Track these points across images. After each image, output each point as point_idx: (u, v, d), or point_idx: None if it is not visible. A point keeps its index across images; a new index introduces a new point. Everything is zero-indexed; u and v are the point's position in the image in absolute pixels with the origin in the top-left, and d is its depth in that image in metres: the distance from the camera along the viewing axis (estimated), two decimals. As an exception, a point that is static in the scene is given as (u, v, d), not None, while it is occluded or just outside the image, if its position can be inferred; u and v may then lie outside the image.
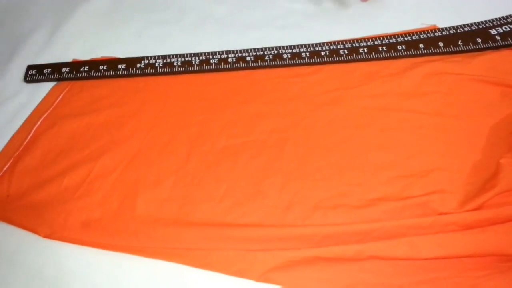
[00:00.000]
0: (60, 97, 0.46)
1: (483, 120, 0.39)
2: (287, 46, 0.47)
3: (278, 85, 0.45)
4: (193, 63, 0.47)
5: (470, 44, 0.45)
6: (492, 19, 0.47)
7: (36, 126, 0.44)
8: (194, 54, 0.48)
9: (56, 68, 0.48)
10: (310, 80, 0.45)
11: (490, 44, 0.44)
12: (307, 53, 0.46)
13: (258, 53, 0.47)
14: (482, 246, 0.31)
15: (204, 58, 0.48)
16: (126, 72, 0.47)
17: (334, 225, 0.33)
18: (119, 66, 0.48)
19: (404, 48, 0.45)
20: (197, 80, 0.47)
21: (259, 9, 0.53)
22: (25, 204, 0.38)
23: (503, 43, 0.44)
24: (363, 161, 0.38)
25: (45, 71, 0.48)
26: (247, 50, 0.48)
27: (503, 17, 0.47)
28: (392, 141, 0.39)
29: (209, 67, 0.47)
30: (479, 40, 0.45)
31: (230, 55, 0.48)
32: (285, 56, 0.47)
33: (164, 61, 0.48)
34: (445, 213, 0.33)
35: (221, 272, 0.33)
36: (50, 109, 0.45)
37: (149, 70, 0.47)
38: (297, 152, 0.39)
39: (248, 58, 0.47)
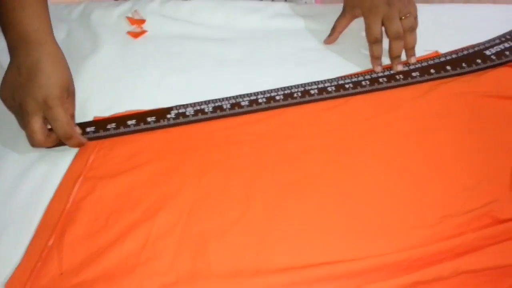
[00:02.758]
0: (91, 158, 0.44)
1: (504, 130, 0.44)
2: (312, 82, 0.50)
3: (312, 120, 0.47)
4: (224, 107, 0.48)
5: (473, 65, 0.50)
6: (483, 42, 0.53)
7: (74, 192, 0.41)
8: (224, 98, 0.48)
9: (79, 128, 0.46)
10: (342, 111, 0.47)
11: (489, 63, 0.50)
12: (333, 87, 0.49)
13: (286, 92, 0.49)
14: None
15: (234, 101, 0.48)
16: (157, 125, 0.46)
17: (418, 247, 0.35)
18: (149, 119, 0.46)
19: (418, 74, 0.50)
20: (229, 124, 0.47)
21: (272, 49, 0.55)
22: (86, 280, 0.35)
23: (499, 61, 0.50)
24: (418, 181, 0.40)
25: (68, 132, 0.45)
26: (275, 89, 0.49)
27: (491, 40, 0.53)
28: (438, 159, 0.42)
29: (240, 109, 0.47)
30: (479, 61, 0.51)
31: (259, 96, 0.49)
32: (312, 92, 0.49)
33: (195, 108, 0.48)
34: (508, 219, 0.36)
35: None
36: (84, 173, 0.42)
37: (180, 120, 0.47)
38: (356, 182, 0.41)
39: (277, 97, 0.48)
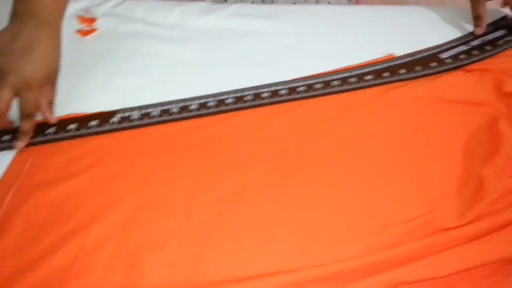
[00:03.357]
0: (27, 165, 0.42)
1: (454, 135, 0.44)
2: (265, 85, 0.48)
3: (262, 124, 0.45)
4: (172, 111, 0.46)
5: (427, 68, 0.50)
6: (439, 45, 0.53)
7: (6, 201, 0.39)
8: (172, 101, 0.47)
9: (16, 133, 0.43)
10: (293, 116, 0.46)
11: (444, 67, 0.50)
12: (285, 90, 0.48)
13: (237, 95, 0.47)
14: (490, 254, 0.34)
15: (183, 105, 0.46)
16: (100, 129, 0.44)
17: (354, 258, 0.34)
18: (91, 123, 0.45)
19: (371, 78, 0.49)
20: (176, 128, 0.45)
21: (227, 49, 0.54)
22: (12, 295, 0.33)
23: (454, 65, 0.50)
24: (363, 189, 0.40)
25: (4, 138, 0.43)
26: (226, 92, 0.48)
27: (447, 42, 0.53)
28: (383, 166, 0.41)
29: (189, 114, 0.46)
30: (433, 64, 0.50)
31: (209, 99, 0.47)
32: (264, 95, 0.47)
33: (141, 112, 0.46)
34: (450, 229, 0.36)
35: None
36: (18, 181, 0.40)
37: (125, 124, 0.45)
38: (300, 189, 0.40)
39: (228, 101, 0.47)
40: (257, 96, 0.47)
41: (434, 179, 0.40)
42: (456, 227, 0.36)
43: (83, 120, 0.45)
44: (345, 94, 0.48)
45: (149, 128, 0.45)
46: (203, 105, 0.46)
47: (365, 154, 0.42)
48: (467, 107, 0.46)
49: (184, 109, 0.46)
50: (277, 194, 0.39)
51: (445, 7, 0.60)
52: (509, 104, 0.46)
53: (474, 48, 0.52)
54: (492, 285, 0.33)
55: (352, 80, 0.49)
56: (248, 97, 0.47)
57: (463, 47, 0.52)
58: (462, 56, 0.51)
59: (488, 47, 0.52)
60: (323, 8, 0.59)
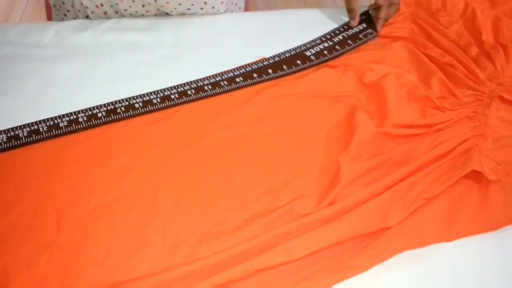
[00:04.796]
0: None
1: (319, 128, 0.47)
2: (137, 96, 0.49)
3: (137, 135, 0.46)
4: (41, 130, 0.45)
5: (293, 66, 0.53)
6: (305, 43, 0.56)
7: None
8: (40, 121, 0.46)
9: None
10: (168, 124, 0.47)
11: (308, 63, 0.54)
12: (158, 99, 0.49)
13: (109, 108, 0.48)
14: (341, 234, 0.38)
15: (52, 123, 0.46)
16: (-37, 156, 0.43)
17: (218, 252, 0.36)
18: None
19: (241, 80, 0.51)
20: (47, 148, 0.45)
21: (103, 64, 0.53)
22: None
23: (317, 61, 0.54)
24: (232, 186, 0.42)
25: None
26: (97, 106, 0.48)
27: (312, 40, 0.57)
28: (252, 163, 0.44)
29: (59, 131, 0.46)
30: (299, 62, 0.54)
31: (80, 115, 0.47)
32: (137, 105, 0.48)
33: (8, 135, 0.45)
34: (307, 214, 0.39)
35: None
36: None
37: (-7, 148, 0.44)
38: (172, 194, 0.41)
39: (100, 115, 0.47)
40: (129, 107, 0.48)
41: (300, 170, 0.43)
42: (312, 213, 0.39)
43: None
44: (217, 98, 0.50)
45: (19, 151, 0.44)
46: (74, 122, 0.46)
47: (237, 154, 0.44)
48: (331, 100, 0.50)
49: (53, 127, 0.46)
50: (149, 202, 0.41)
51: (323, 8, 0.63)
52: (368, 94, 0.50)
53: (337, 43, 0.56)
54: (344, 262, 0.37)
55: (223, 83, 0.51)
56: (121, 109, 0.48)
57: (327, 44, 0.56)
58: (325, 52, 0.55)
59: (350, 41, 0.57)
60: (200, 19, 0.60)
